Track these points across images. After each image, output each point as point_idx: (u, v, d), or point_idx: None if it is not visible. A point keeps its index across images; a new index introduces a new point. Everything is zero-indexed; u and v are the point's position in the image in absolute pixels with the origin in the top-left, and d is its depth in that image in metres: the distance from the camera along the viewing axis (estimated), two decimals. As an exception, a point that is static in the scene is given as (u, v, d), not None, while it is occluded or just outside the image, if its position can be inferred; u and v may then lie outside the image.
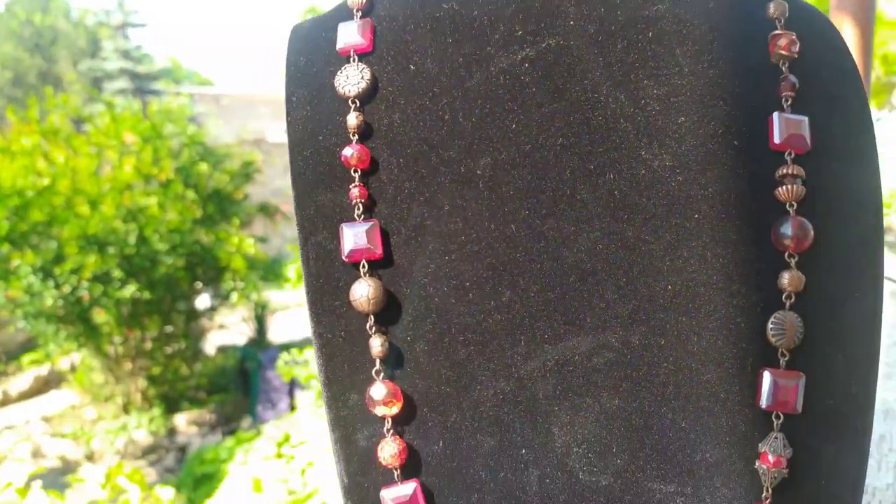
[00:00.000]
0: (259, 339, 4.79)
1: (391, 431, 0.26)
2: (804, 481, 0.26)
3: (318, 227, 0.27)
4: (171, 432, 4.01)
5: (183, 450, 3.84)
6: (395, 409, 0.26)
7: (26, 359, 4.62)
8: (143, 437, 3.86)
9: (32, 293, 3.50)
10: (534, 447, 0.26)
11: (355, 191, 0.27)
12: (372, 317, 0.26)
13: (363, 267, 0.26)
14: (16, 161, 3.61)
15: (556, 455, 0.26)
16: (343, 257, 0.26)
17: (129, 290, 3.57)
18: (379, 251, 0.26)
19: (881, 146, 0.30)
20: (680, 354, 0.26)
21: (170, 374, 4.19)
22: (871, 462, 0.64)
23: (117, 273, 3.53)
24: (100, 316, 3.72)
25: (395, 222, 0.27)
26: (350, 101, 0.27)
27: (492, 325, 0.26)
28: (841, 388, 0.26)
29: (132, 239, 3.58)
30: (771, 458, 0.25)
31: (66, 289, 3.49)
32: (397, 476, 0.26)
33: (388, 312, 0.26)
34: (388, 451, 0.25)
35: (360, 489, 0.27)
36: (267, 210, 4.73)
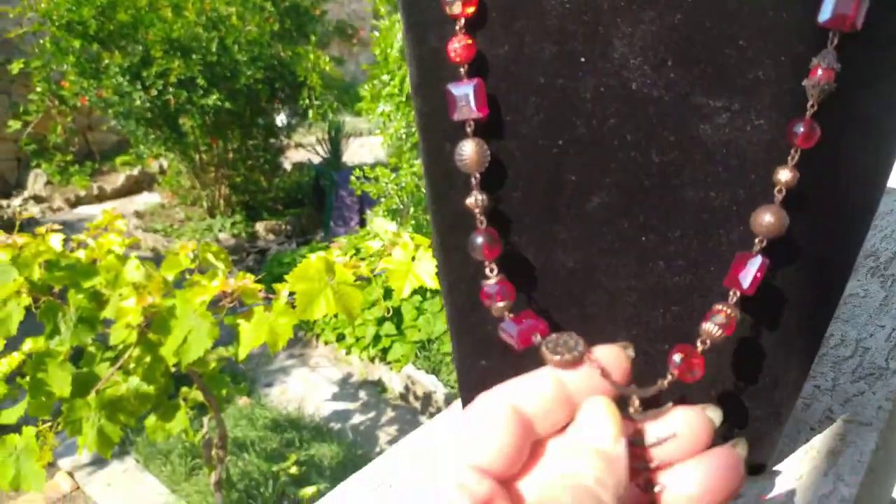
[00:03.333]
0: (333, 161, 4.92)
1: (463, 30, 0.28)
2: (848, 100, 0.27)
3: None
4: (252, 237, 4.30)
5: (262, 253, 4.14)
6: (469, 10, 0.27)
7: (119, 160, 4.94)
8: (227, 239, 4.16)
9: (122, 93, 3.66)
10: (593, 57, 0.28)
11: None
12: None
13: None
14: (99, -40, 3.63)
15: (613, 65, 0.28)
16: None
17: (212, 98, 3.68)
18: None
19: None
20: (748, -27, 0.26)
21: (251, 185, 4.42)
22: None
23: (201, 81, 3.63)
24: (186, 122, 3.89)
25: None
26: None
27: (565, -66, 0.27)
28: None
29: (214, 47, 3.63)
30: (821, 71, 0.26)
31: (153, 92, 3.63)
32: (464, 72, 0.28)
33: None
34: (458, 43, 0.28)
35: (428, 86, 0.29)
36: (343, 30, 4.66)
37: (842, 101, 0.26)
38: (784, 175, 0.27)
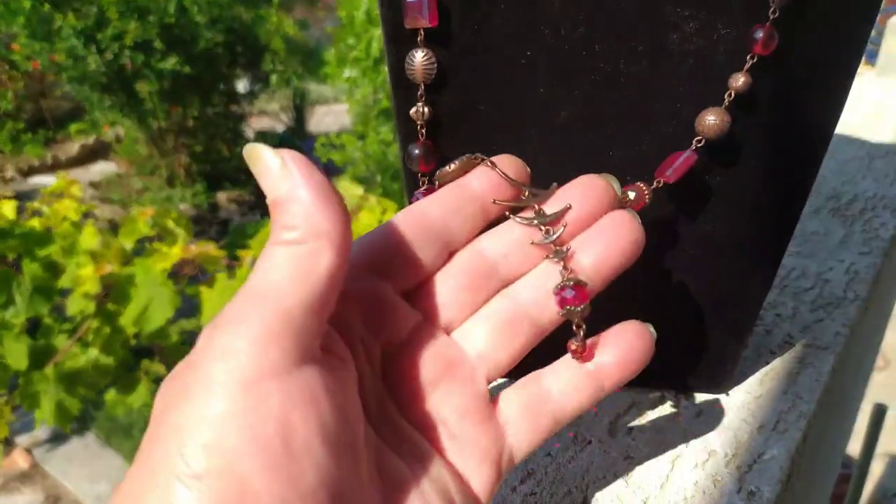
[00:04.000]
0: (298, 129, 4.84)
1: None
2: (809, 8, 0.27)
3: None
4: (213, 208, 4.22)
5: (224, 224, 4.07)
6: None
7: (73, 128, 4.77)
8: (188, 209, 4.07)
9: (76, 57, 3.52)
10: (562, -38, 0.27)
11: None
12: None
13: None
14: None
15: (583, -30, 0.27)
16: None
17: (170, 62, 3.57)
18: None
19: None
20: None
21: (212, 154, 4.32)
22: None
23: (158, 44, 3.51)
24: (143, 88, 3.77)
25: None
26: None
27: None
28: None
29: (171, 8, 3.51)
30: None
31: (109, 55, 3.50)
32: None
33: None
34: None
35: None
36: (308, -7, 4.55)
37: (802, 9, 0.26)
38: (736, 80, 0.27)
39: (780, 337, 0.39)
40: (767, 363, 0.37)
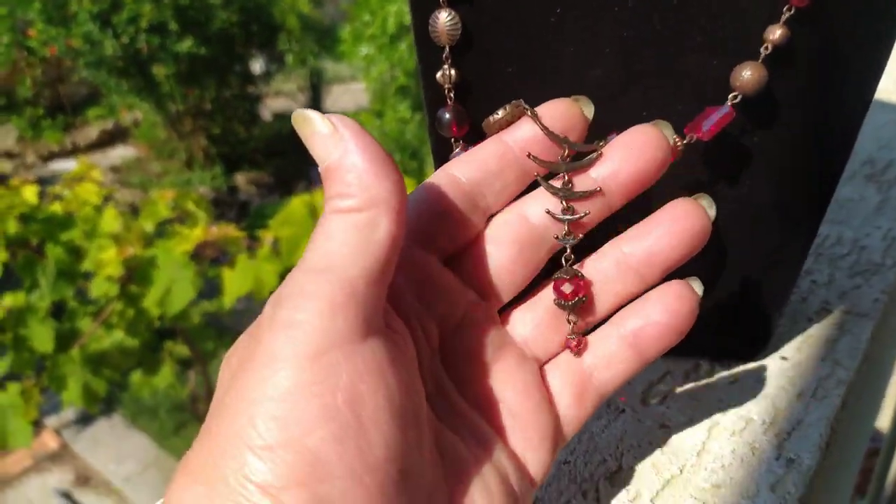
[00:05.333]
0: (315, 109, 4.82)
1: None
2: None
3: None
4: (232, 190, 4.24)
5: (243, 206, 4.09)
6: None
7: (91, 113, 4.80)
8: (207, 192, 4.10)
9: (92, 41, 3.53)
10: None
11: None
12: None
13: None
14: None
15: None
16: None
17: (186, 44, 3.57)
18: None
19: None
20: None
21: (229, 136, 4.33)
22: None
23: (173, 26, 3.51)
24: (160, 71, 3.78)
25: None
26: None
27: None
28: None
29: (186, -10, 3.51)
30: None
31: (125, 39, 3.51)
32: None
33: None
34: None
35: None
36: (321, -29, 4.51)
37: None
38: (773, 32, 0.26)
39: (816, 304, 0.38)
40: (804, 330, 0.36)
